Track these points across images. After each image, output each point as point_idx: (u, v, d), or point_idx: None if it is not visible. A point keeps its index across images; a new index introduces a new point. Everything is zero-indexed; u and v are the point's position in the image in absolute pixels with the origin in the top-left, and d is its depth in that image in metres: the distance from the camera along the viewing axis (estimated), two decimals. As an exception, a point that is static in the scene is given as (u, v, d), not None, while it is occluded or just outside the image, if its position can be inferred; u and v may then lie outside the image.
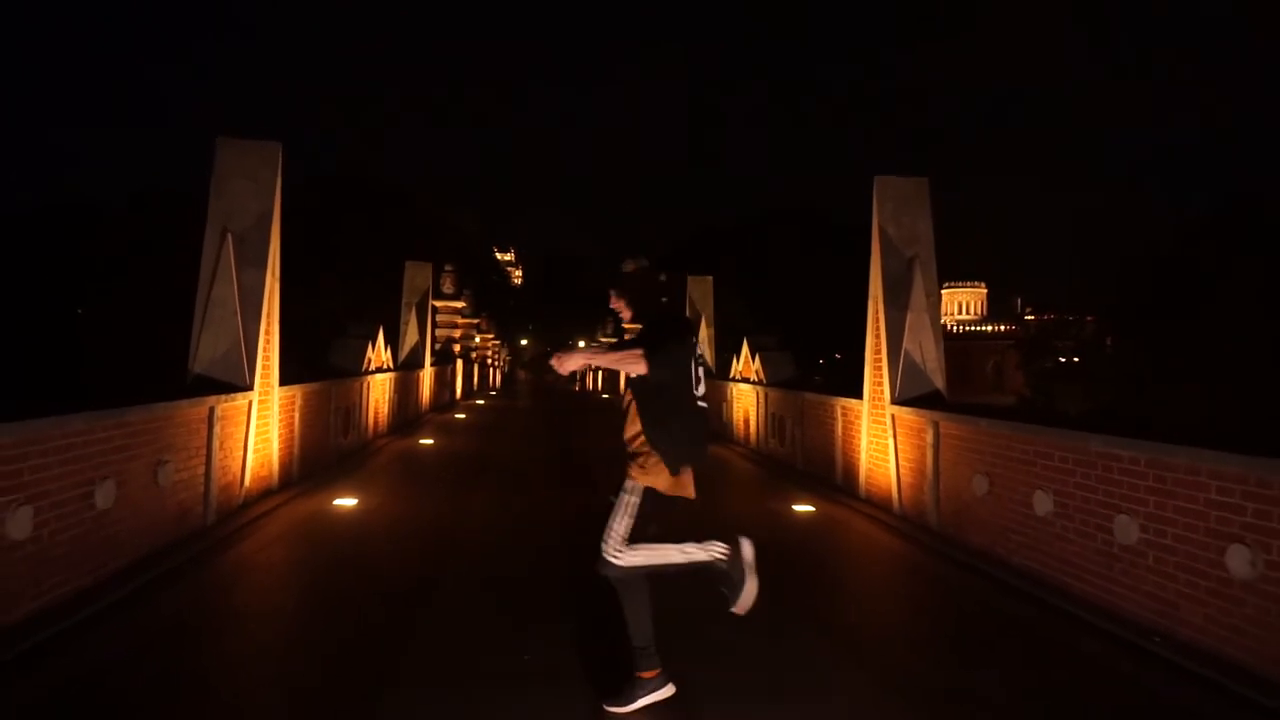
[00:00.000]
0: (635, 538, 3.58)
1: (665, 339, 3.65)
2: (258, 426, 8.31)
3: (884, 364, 8.94)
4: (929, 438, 7.85)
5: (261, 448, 8.49)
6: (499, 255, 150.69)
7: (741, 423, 15.62)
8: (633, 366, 3.55)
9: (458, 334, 30.61)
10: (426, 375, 21.61)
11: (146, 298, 37.30)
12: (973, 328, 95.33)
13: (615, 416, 3.88)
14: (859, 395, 9.60)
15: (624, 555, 3.53)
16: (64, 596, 4.91)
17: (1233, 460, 4.35)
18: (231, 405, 7.69)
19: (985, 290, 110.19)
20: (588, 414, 23.85)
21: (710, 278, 22.35)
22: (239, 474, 7.91)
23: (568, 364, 3.63)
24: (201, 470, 7.04)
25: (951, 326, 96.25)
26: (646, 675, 3.61)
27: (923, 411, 8.07)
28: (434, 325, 26.44)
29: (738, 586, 3.55)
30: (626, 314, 3.95)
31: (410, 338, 21.71)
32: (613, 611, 3.75)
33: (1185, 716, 3.97)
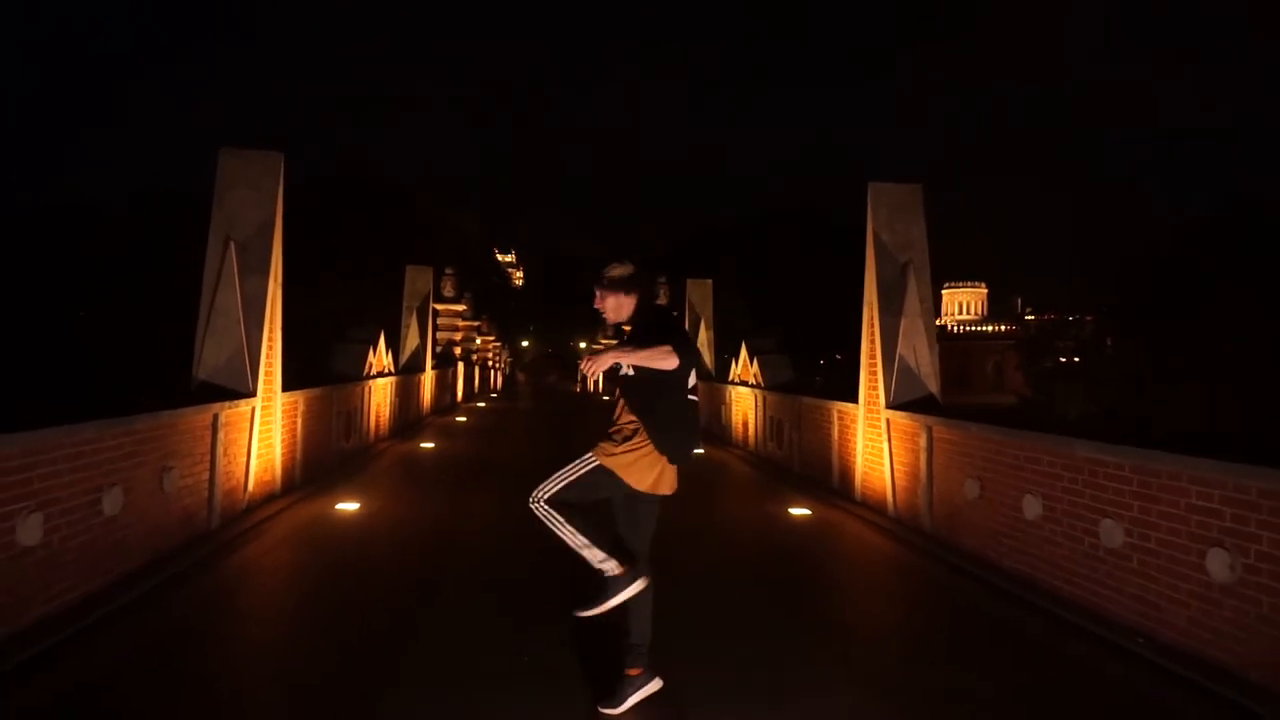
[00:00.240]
0: (572, 501, 3.73)
1: (681, 332, 3.76)
2: (261, 432, 8.43)
3: (879, 369, 9.06)
4: (922, 442, 7.96)
5: (265, 453, 8.61)
6: (500, 257, 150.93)
7: (740, 425, 15.73)
8: (665, 361, 3.56)
9: (459, 337, 30.75)
10: (427, 379, 21.73)
11: (146, 297, 37.34)
12: (973, 328, 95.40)
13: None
14: (856, 399, 9.71)
15: (539, 508, 3.73)
16: (73, 601, 5.03)
17: (1212, 466, 4.46)
18: (235, 411, 7.81)
19: (986, 290, 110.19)
20: (588, 414, 23.95)
21: (710, 281, 22.47)
22: (243, 479, 8.03)
23: (598, 366, 3.62)
24: (206, 476, 7.16)
25: (952, 327, 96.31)
26: (633, 673, 3.72)
27: (916, 416, 8.18)
28: (435, 328, 26.57)
29: (601, 599, 3.72)
30: (612, 315, 3.94)
31: (411, 341, 21.84)
32: (611, 612, 3.86)
33: (1168, 718, 4.09)
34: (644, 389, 3.72)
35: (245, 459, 8.09)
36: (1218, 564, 4.40)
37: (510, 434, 18.23)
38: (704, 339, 21.73)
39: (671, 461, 3.72)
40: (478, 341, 39.29)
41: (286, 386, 9.33)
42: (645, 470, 3.69)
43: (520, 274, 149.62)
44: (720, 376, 19.13)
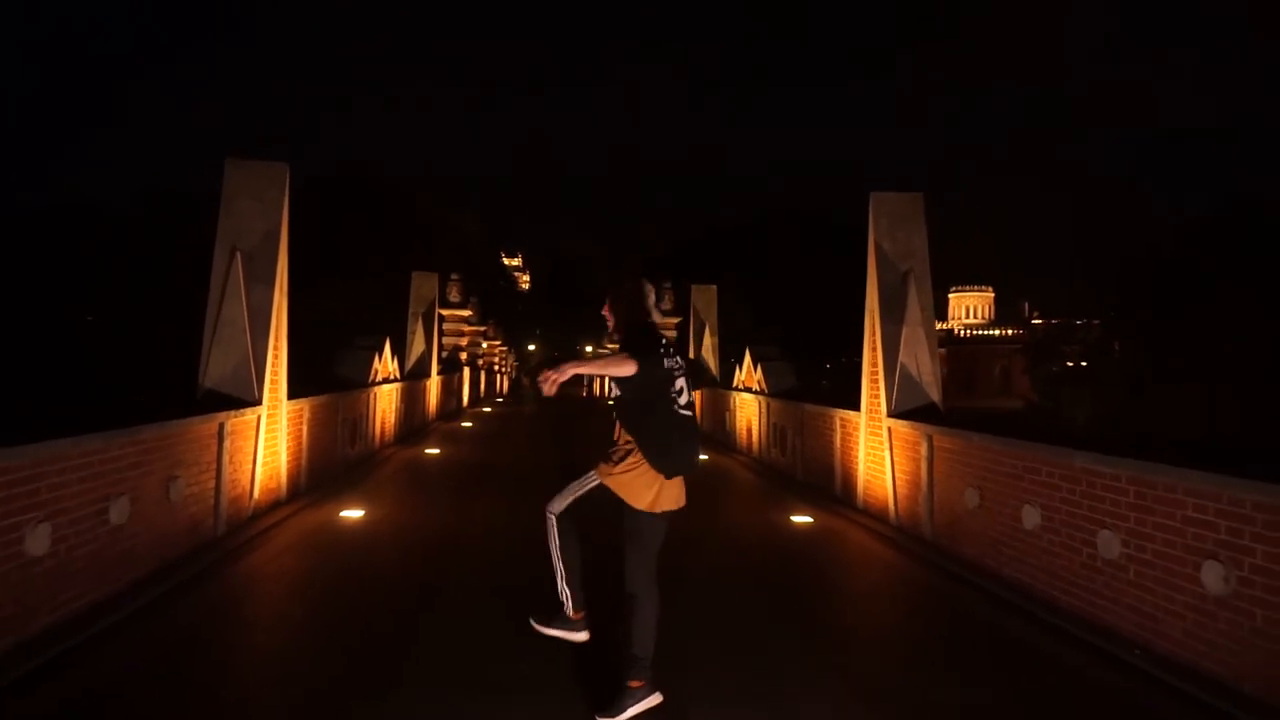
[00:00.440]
0: (585, 513, 3.95)
1: (650, 346, 3.86)
2: (266, 440, 8.50)
3: (880, 377, 9.09)
4: (923, 450, 8.00)
5: (270, 460, 8.69)
6: (506, 260, 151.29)
7: (744, 432, 15.76)
8: (621, 368, 3.71)
9: (464, 342, 30.85)
10: (433, 384, 21.83)
11: (146, 297, 37.32)
12: (980, 332, 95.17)
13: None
14: (858, 407, 9.75)
15: (549, 519, 4.00)
16: (80, 609, 5.09)
17: (1207, 479, 4.49)
18: (241, 420, 7.88)
19: (993, 294, 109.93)
20: (591, 419, 24.00)
21: (714, 287, 22.54)
22: (248, 487, 8.10)
23: (558, 378, 3.67)
24: (212, 484, 7.24)
25: (959, 331, 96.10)
26: (635, 684, 3.77)
27: (917, 425, 8.21)
28: (441, 334, 26.67)
29: (553, 621, 4.11)
30: (611, 323, 4.12)
31: (417, 347, 21.93)
32: (612, 619, 3.91)
33: (1160, 728, 4.12)
34: (632, 408, 3.82)
35: (251, 467, 8.16)
36: (1212, 576, 4.42)
37: (515, 439, 18.29)
38: (709, 344, 21.78)
39: (666, 476, 3.78)
40: (484, 346, 39.40)
41: (291, 393, 9.41)
42: (643, 489, 3.77)
43: (526, 277, 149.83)
44: (725, 382, 19.16)
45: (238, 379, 8.18)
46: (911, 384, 8.85)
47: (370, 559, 7.11)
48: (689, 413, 3.88)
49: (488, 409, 28.96)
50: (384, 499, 9.73)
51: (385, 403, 15.35)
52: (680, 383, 3.87)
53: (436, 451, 14.80)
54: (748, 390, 16.07)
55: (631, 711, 3.79)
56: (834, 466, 10.53)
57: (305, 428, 10.02)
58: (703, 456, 4.02)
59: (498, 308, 59.98)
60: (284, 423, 9.12)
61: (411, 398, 18.38)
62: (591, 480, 3.90)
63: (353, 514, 8.58)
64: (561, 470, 13.75)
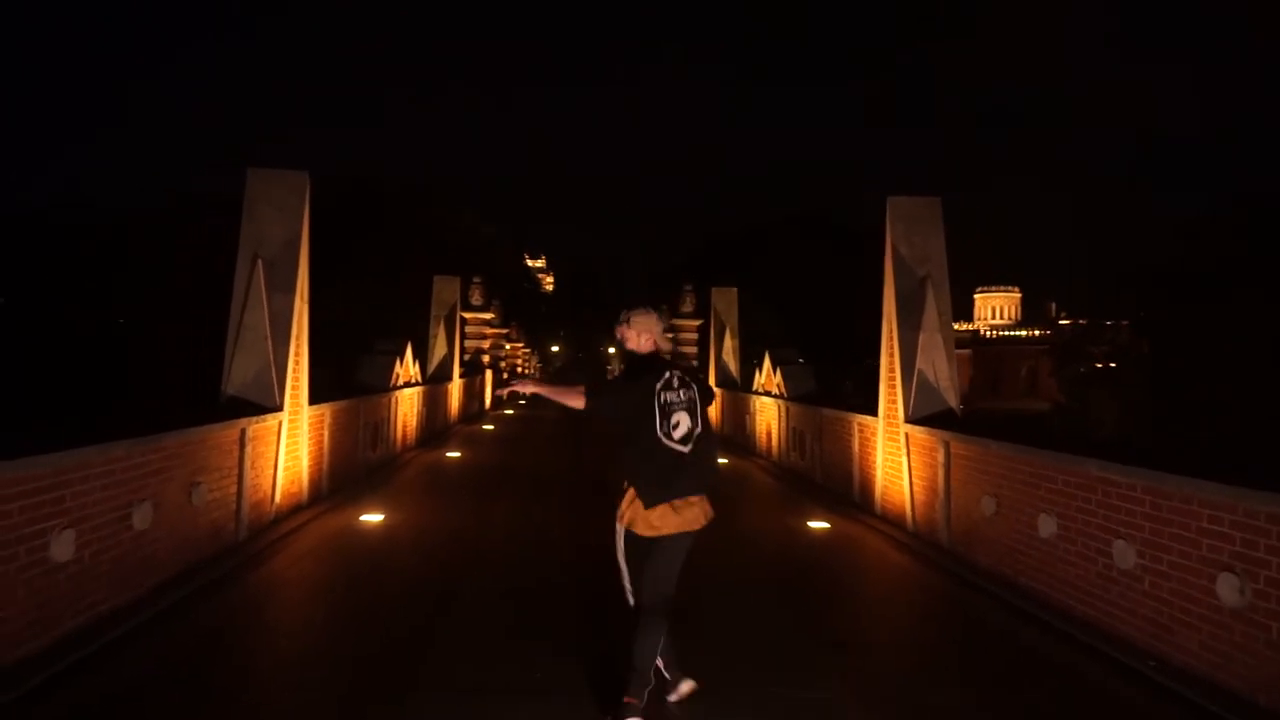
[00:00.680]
0: (634, 570, 3.95)
1: (619, 386, 4.02)
2: (288, 445, 8.63)
3: (898, 382, 9.06)
4: (940, 457, 7.96)
5: (291, 465, 8.81)
6: (530, 262, 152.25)
7: (764, 436, 15.75)
8: (571, 401, 3.96)
9: (486, 345, 31.00)
10: (455, 388, 21.98)
11: (145, 298, 37.46)
12: (1006, 332, 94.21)
13: None
14: (875, 412, 9.72)
15: (640, 619, 3.89)
16: (103, 614, 5.20)
17: (1221, 490, 4.44)
18: (262, 426, 8.00)
19: (1019, 294, 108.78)
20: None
21: (734, 289, 22.52)
22: (270, 491, 8.22)
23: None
24: (234, 489, 7.35)
25: (984, 331, 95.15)
26: (629, 700, 3.76)
27: (935, 431, 8.17)
28: (463, 336, 26.84)
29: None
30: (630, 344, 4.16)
31: (439, 351, 22.11)
32: (626, 628, 3.95)
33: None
34: (620, 438, 3.93)
35: (272, 472, 8.29)
36: (1227, 588, 4.38)
37: (535, 442, 18.37)
38: (729, 347, 21.76)
39: (645, 505, 3.83)
40: (506, 348, 39.58)
41: (312, 399, 9.54)
42: (642, 516, 3.85)
43: (550, 279, 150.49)
44: (745, 385, 19.14)
45: (260, 385, 8.31)
46: (929, 390, 8.81)
47: (390, 563, 7.20)
48: (682, 447, 3.86)
49: (509, 411, 29.09)
50: (404, 503, 9.83)
51: (406, 407, 15.49)
52: (678, 416, 3.86)
53: (457, 455, 14.92)
54: (767, 394, 16.05)
55: None
56: (852, 472, 10.50)
57: (326, 432, 10.15)
58: (722, 460, 4.09)
59: (521, 310, 60.13)
60: (305, 428, 9.25)
61: (433, 401, 18.53)
62: (619, 535, 4.01)
63: (373, 518, 8.68)
64: (580, 473, 13.89)
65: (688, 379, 4.00)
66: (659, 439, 3.84)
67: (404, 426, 15.21)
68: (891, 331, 9.23)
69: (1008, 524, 6.67)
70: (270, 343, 8.39)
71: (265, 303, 8.40)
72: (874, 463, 9.71)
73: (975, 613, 6.16)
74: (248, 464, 7.56)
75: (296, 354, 8.91)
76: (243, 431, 7.53)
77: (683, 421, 3.88)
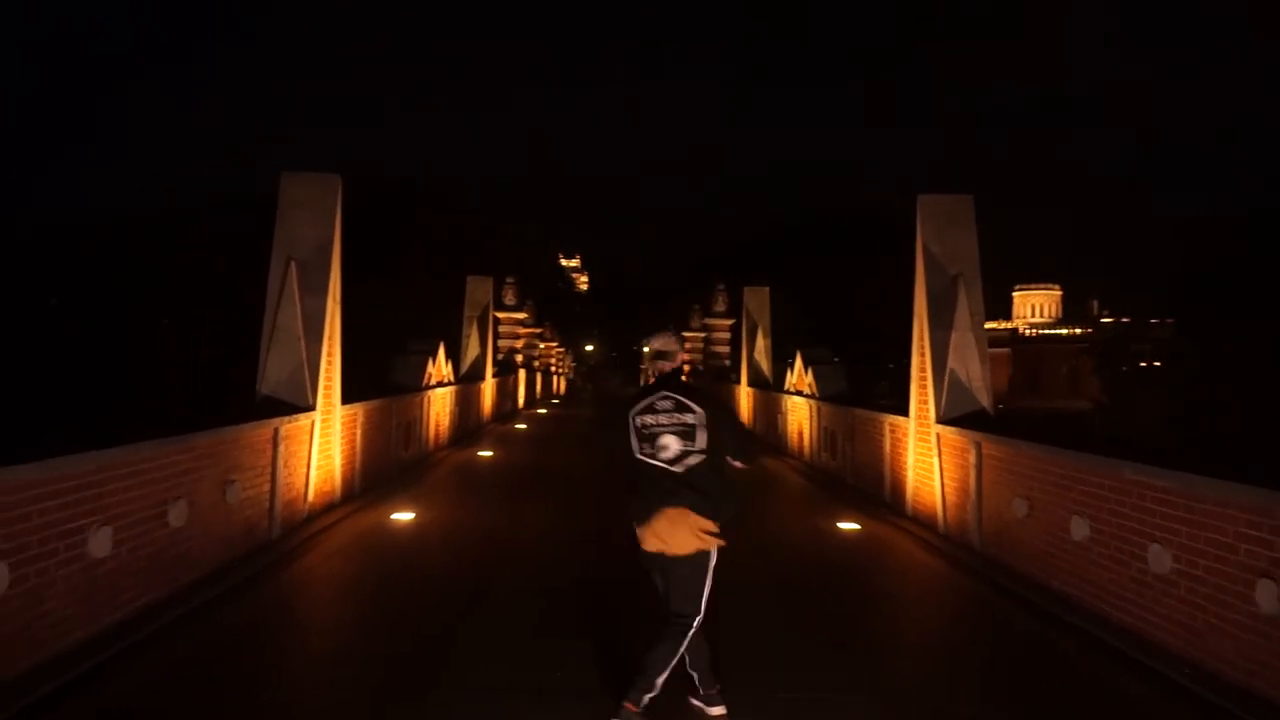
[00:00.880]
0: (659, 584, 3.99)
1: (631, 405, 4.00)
2: (320, 444, 8.76)
3: (929, 383, 8.95)
4: (972, 458, 7.85)
5: (324, 464, 8.94)
6: (564, 261, 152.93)
7: (795, 435, 15.66)
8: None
9: (520, 344, 31.18)
10: (488, 387, 22.14)
11: (145, 297, 37.96)
12: (1047, 331, 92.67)
13: None
14: (907, 413, 9.61)
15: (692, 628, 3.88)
16: (140, 609, 5.32)
17: (1259, 494, 4.33)
18: (295, 425, 8.13)
19: (1060, 292, 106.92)
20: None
21: (766, 288, 22.41)
22: (302, 490, 8.35)
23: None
24: (267, 488, 7.48)
25: (1024, 330, 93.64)
26: (629, 707, 3.72)
27: (966, 431, 8.07)
28: (496, 336, 27.02)
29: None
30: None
31: (471, 351, 22.28)
32: (649, 631, 3.96)
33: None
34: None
35: (305, 471, 8.42)
36: (1267, 595, 4.26)
37: (568, 442, 18.44)
38: (761, 346, 21.66)
39: (628, 521, 3.90)
40: (540, 348, 39.77)
41: (345, 398, 9.67)
42: (639, 535, 3.88)
43: (585, 279, 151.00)
44: (777, 384, 19.04)
45: (293, 385, 8.45)
46: (961, 390, 8.69)
47: (421, 561, 7.28)
48: (673, 467, 3.79)
49: (543, 410, 29.25)
50: (436, 501, 9.93)
51: (439, 406, 15.64)
52: (665, 439, 3.80)
53: (489, 454, 15.03)
54: (799, 394, 15.96)
55: None
56: (883, 472, 10.40)
57: (359, 432, 10.28)
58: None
59: (555, 309, 60.37)
60: (337, 427, 9.38)
61: (465, 401, 18.68)
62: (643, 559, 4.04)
63: (404, 516, 8.78)
64: (613, 474, 13.77)
65: (687, 401, 3.86)
66: (641, 460, 3.86)
67: (436, 425, 15.35)
68: (922, 331, 9.13)
69: (1040, 526, 6.56)
70: (303, 343, 8.52)
71: (298, 304, 8.54)
72: (905, 464, 9.61)
73: (1006, 616, 6.08)
74: (281, 463, 7.69)
75: (329, 354, 9.04)
76: (276, 431, 7.66)
77: (671, 444, 3.81)
